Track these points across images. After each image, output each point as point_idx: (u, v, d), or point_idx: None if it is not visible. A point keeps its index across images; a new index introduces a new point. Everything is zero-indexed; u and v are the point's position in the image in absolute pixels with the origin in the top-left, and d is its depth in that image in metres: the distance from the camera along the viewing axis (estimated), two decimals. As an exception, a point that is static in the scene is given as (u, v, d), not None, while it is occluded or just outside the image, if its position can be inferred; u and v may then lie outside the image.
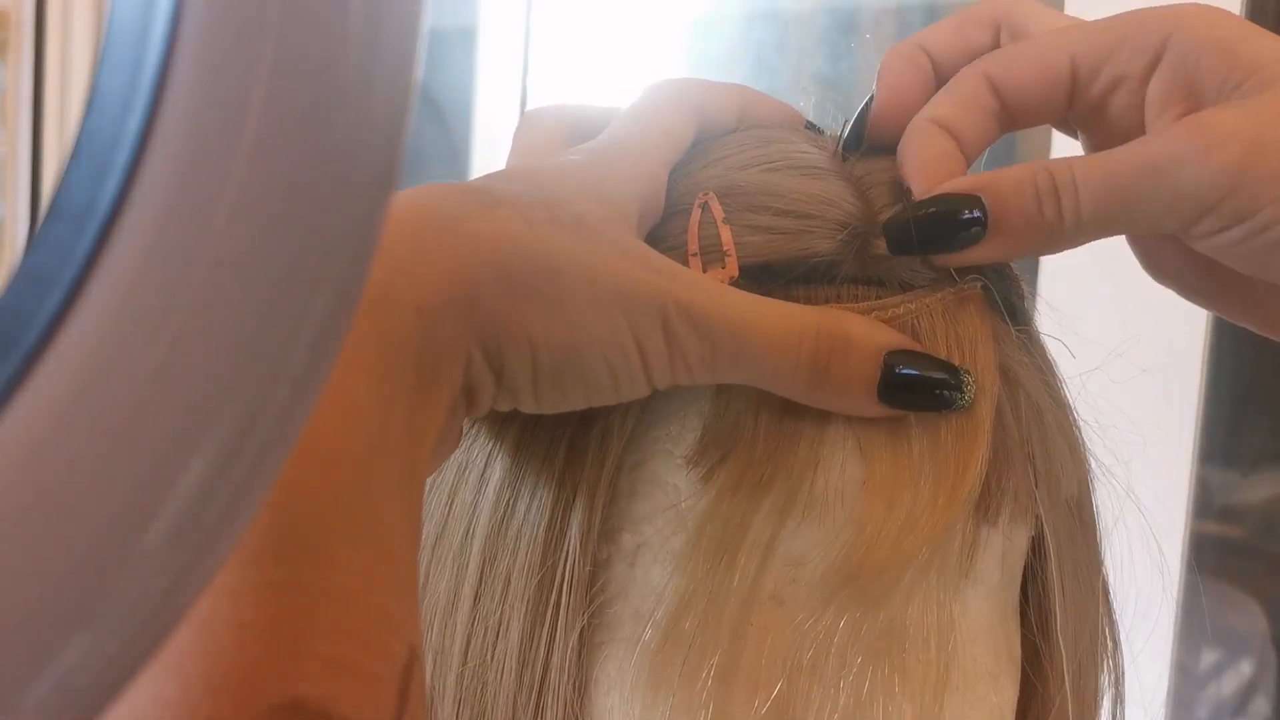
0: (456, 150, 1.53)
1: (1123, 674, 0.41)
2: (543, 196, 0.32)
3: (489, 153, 1.46)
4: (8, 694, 0.14)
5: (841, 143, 0.39)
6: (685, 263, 0.35)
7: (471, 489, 0.37)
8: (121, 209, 0.14)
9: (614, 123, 0.37)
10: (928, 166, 0.36)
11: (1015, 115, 0.37)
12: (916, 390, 0.34)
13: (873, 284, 0.36)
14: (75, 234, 0.14)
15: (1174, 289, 0.41)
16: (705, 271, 0.35)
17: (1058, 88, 0.36)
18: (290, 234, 0.15)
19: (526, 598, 0.35)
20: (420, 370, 0.28)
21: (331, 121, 0.15)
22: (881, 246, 0.36)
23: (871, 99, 0.38)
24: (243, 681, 0.22)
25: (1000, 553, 0.36)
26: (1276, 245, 0.33)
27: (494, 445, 0.37)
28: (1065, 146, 0.39)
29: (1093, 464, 0.41)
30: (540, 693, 0.35)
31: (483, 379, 0.30)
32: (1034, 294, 0.42)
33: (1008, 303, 0.38)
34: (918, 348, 0.35)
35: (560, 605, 0.35)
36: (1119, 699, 0.41)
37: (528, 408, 0.32)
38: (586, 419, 0.35)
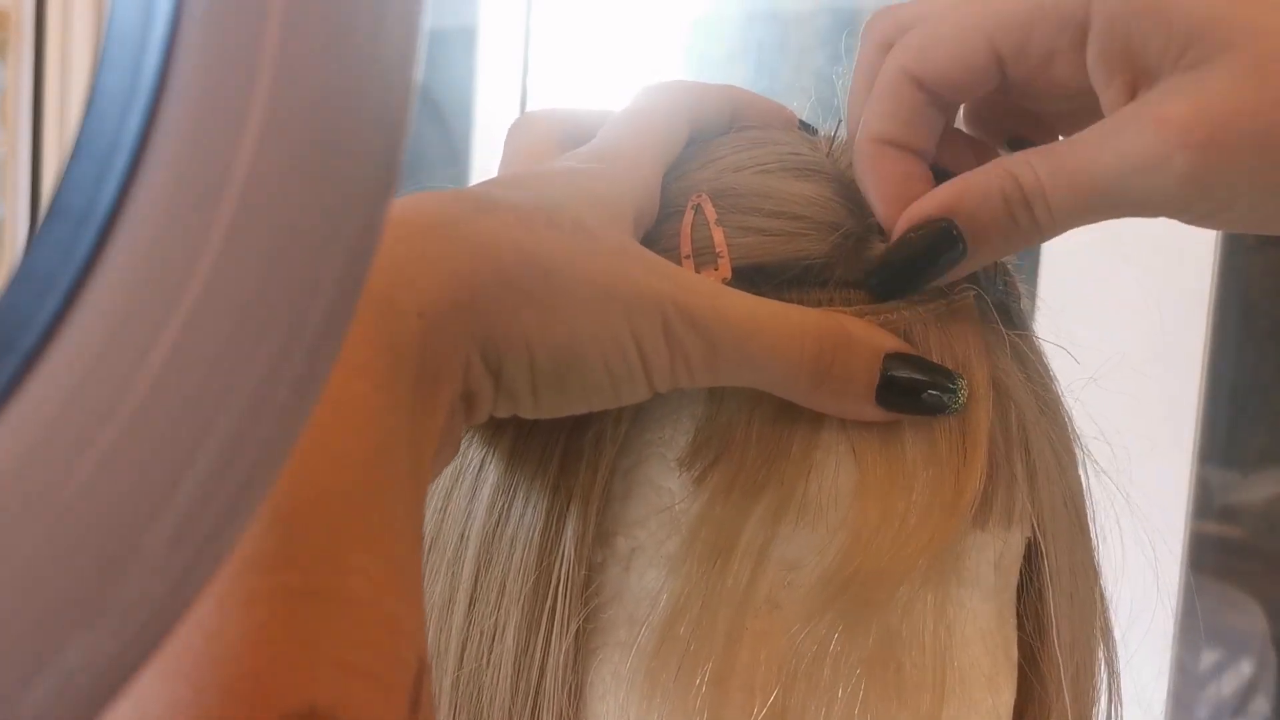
0: (456, 150, 1.53)
1: (1118, 675, 0.41)
2: (540, 201, 0.32)
3: (489, 153, 1.46)
4: (10, 694, 0.14)
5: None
6: (678, 265, 0.35)
7: (466, 493, 0.37)
8: (121, 209, 0.14)
9: (606, 127, 0.37)
10: (888, 196, 0.36)
11: (949, 100, 0.36)
12: (913, 394, 0.34)
13: (865, 288, 0.36)
14: (75, 234, 0.14)
15: None
16: (698, 273, 0.35)
17: (983, 70, 0.35)
18: (290, 233, 0.15)
19: (522, 603, 0.35)
20: (421, 375, 0.28)
21: (332, 121, 0.15)
22: (874, 249, 0.36)
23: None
24: (257, 686, 0.22)
25: (995, 556, 0.36)
26: (1265, 218, 0.33)
27: (488, 450, 0.37)
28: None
29: (1091, 466, 0.41)
30: (536, 697, 0.35)
31: (482, 383, 0.30)
32: (1033, 295, 0.42)
33: (1002, 307, 0.38)
34: (915, 351, 0.35)
35: (555, 610, 0.35)
36: (1116, 700, 0.41)
37: (527, 412, 0.32)
38: (581, 424, 0.35)
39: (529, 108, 1.43)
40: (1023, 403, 0.37)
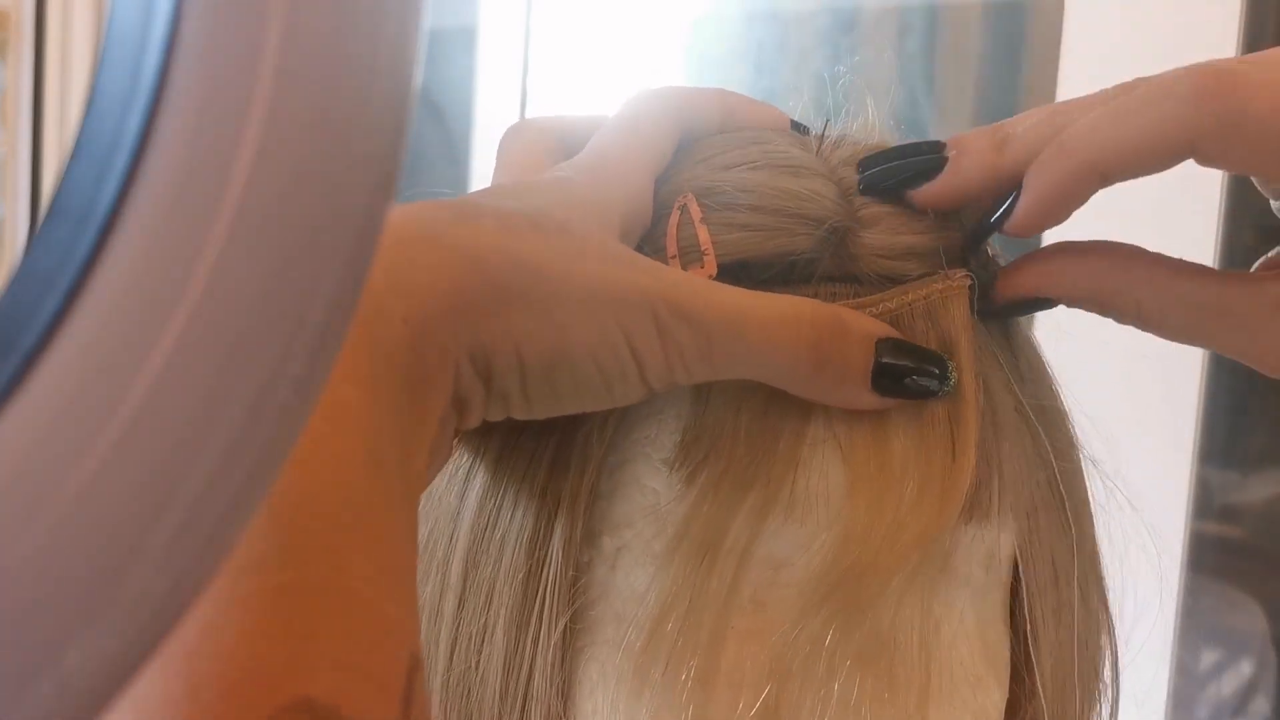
0: (456, 150, 1.53)
1: (1119, 676, 0.41)
2: (525, 207, 0.32)
3: (489, 153, 1.45)
4: (11, 693, 0.14)
5: (976, 233, 0.38)
6: (666, 265, 0.35)
7: (455, 495, 0.37)
8: (121, 209, 0.14)
9: (596, 136, 0.38)
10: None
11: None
12: (903, 379, 0.34)
13: (850, 282, 0.36)
14: (75, 234, 0.14)
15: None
16: (685, 271, 0.35)
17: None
18: (291, 233, 0.15)
19: (511, 603, 0.35)
20: (410, 381, 0.28)
21: (332, 120, 0.15)
22: (859, 244, 0.36)
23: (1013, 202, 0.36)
24: (253, 681, 0.22)
25: (984, 556, 0.36)
26: None
27: (478, 449, 0.37)
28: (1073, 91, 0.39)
29: (1090, 466, 0.41)
30: (525, 696, 0.35)
31: (473, 388, 0.30)
32: (1034, 294, 0.42)
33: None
34: (902, 336, 0.35)
35: (544, 609, 0.35)
36: (1114, 702, 0.41)
37: (520, 414, 0.32)
38: (571, 425, 0.35)
39: (529, 108, 1.43)
40: (1000, 396, 0.37)
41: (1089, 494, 0.40)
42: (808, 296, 0.35)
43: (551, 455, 0.35)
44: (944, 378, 0.34)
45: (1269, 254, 0.37)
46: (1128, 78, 0.36)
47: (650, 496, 0.35)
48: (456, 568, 0.37)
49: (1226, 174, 0.84)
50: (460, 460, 0.37)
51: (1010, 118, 0.37)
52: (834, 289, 0.36)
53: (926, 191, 0.36)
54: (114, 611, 0.15)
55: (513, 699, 0.35)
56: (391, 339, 0.28)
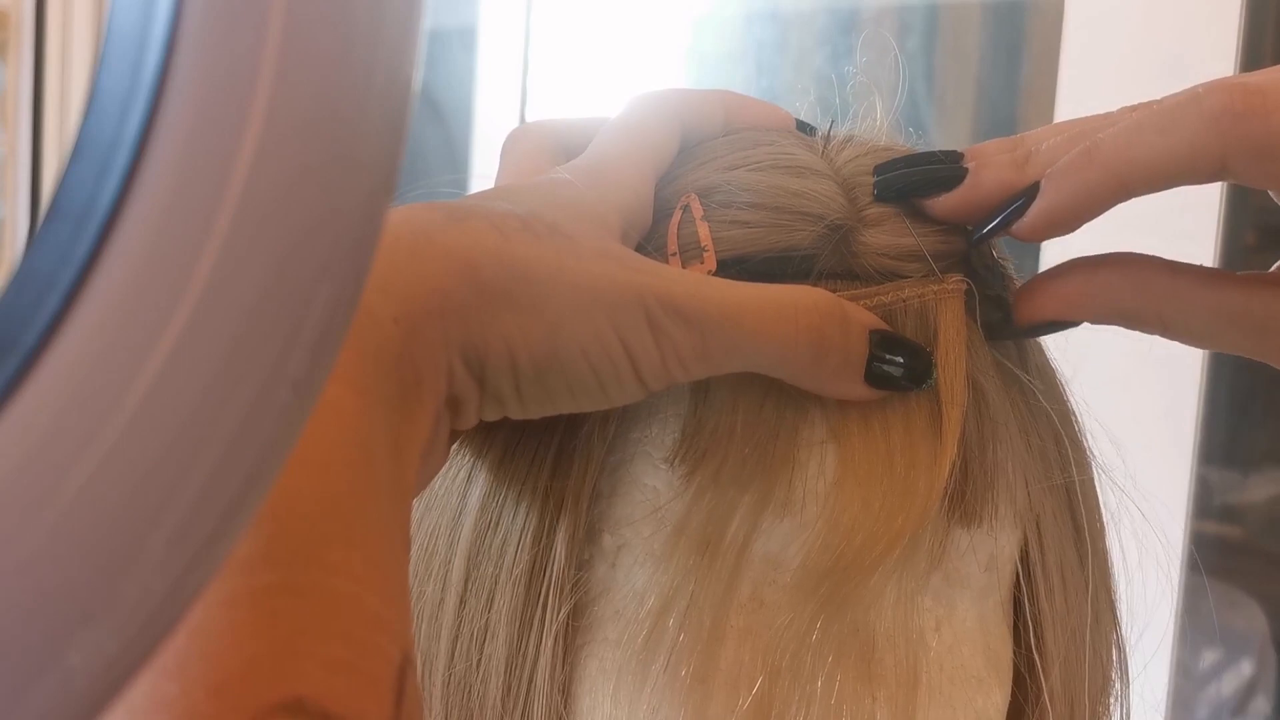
0: (456, 150, 1.53)
1: (1128, 681, 0.41)
2: (517, 208, 0.32)
3: (489, 153, 1.46)
4: (11, 694, 0.14)
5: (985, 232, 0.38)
6: (666, 264, 0.35)
7: (458, 493, 0.37)
8: (121, 209, 0.14)
9: (597, 139, 0.38)
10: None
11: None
12: (889, 370, 0.35)
13: (848, 279, 0.36)
14: (75, 234, 0.14)
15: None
16: (685, 269, 0.35)
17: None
18: (291, 233, 0.15)
19: (514, 602, 0.35)
20: (401, 381, 0.28)
21: (332, 120, 0.15)
22: (861, 243, 0.36)
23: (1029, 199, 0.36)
24: (243, 680, 0.22)
25: (985, 558, 0.36)
26: None
27: (480, 450, 0.37)
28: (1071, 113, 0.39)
29: (1096, 470, 0.40)
30: (528, 695, 0.35)
31: (466, 388, 0.30)
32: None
33: (1000, 302, 0.38)
34: (890, 328, 0.35)
35: (547, 608, 0.35)
36: (1124, 706, 0.41)
37: (515, 414, 0.32)
38: (573, 426, 0.35)
39: (529, 108, 1.43)
40: (1006, 404, 0.37)
41: (1099, 503, 0.40)
42: None
43: (554, 455, 0.35)
44: (926, 373, 0.35)
45: None
46: (1127, 78, 0.36)
47: (650, 494, 0.35)
48: (458, 567, 0.37)
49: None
50: (462, 461, 0.37)
51: (1030, 131, 0.37)
52: (833, 285, 0.36)
53: (943, 202, 0.36)
54: (114, 612, 0.15)
55: (515, 697, 0.35)
56: (381, 339, 0.28)
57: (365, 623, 0.24)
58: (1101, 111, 0.37)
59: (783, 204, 0.36)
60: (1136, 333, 0.37)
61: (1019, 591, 0.38)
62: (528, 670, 0.35)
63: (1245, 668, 1.06)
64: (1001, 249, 0.40)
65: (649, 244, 0.36)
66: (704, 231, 0.36)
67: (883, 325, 0.35)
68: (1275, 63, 0.34)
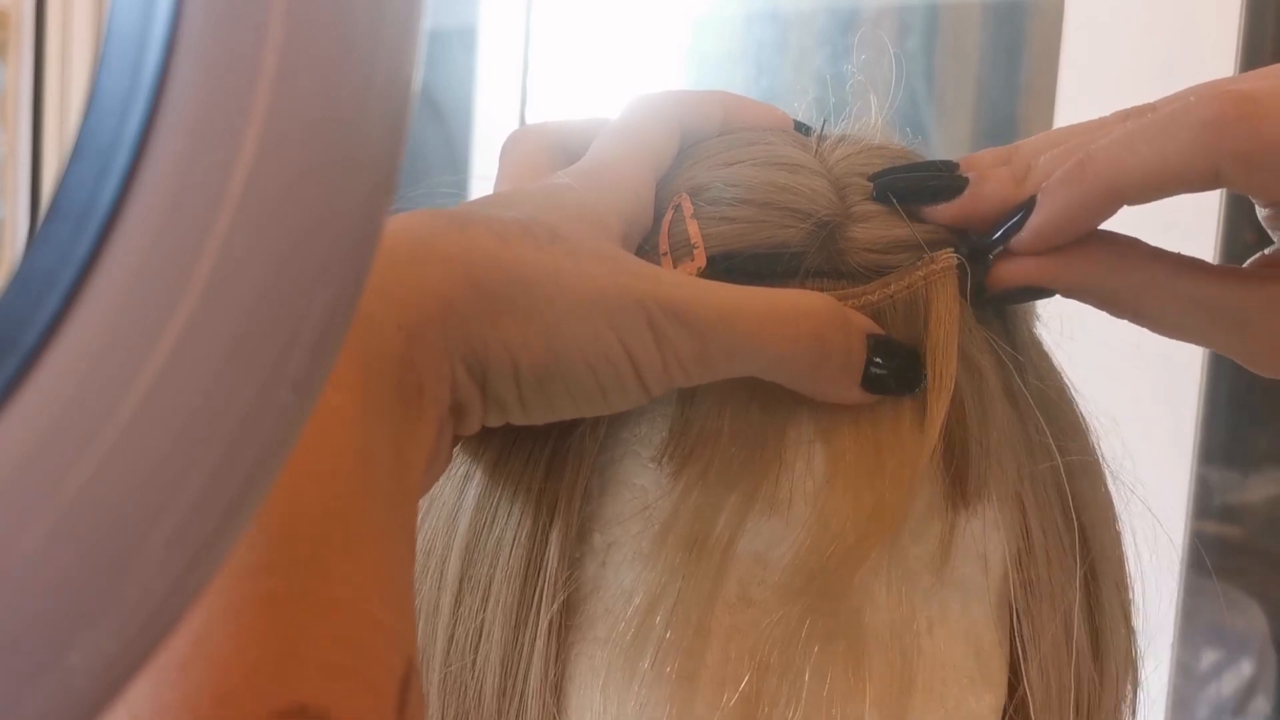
0: (456, 150, 1.53)
1: (1139, 681, 0.41)
2: (518, 214, 0.32)
3: (489, 153, 1.46)
4: (11, 694, 0.14)
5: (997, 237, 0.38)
6: (658, 264, 0.35)
7: (454, 493, 0.38)
8: (121, 209, 0.14)
9: (596, 142, 0.38)
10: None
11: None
12: (887, 374, 0.35)
13: (836, 277, 0.36)
14: (75, 234, 0.14)
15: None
16: (675, 267, 0.35)
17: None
18: (291, 233, 0.15)
19: (509, 601, 0.36)
20: (403, 388, 0.28)
21: (332, 121, 0.15)
22: (848, 239, 0.36)
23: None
24: (246, 686, 0.22)
25: (977, 556, 0.36)
26: None
27: (477, 452, 0.37)
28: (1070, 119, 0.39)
29: (1084, 464, 0.40)
30: (522, 693, 0.35)
31: (469, 395, 0.31)
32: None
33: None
34: (884, 331, 0.35)
35: (541, 607, 0.35)
36: (1133, 706, 0.41)
37: (518, 420, 0.32)
38: (567, 427, 0.35)
39: (529, 108, 1.43)
40: (998, 384, 0.37)
41: (1103, 486, 0.40)
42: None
43: (548, 456, 0.36)
44: (918, 380, 0.35)
45: (1266, 250, 0.37)
46: (1127, 78, 0.36)
47: (639, 493, 0.35)
48: (454, 566, 0.37)
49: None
50: (459, 462, 0.38)
51: (1025, 140, 0.37)
52: (820, 284, 0.36)
53: (942, 210, 0.37)
54: (114, 613, 0.15)
55: (510, 696, 0.35)
56: (383, 346, 0.28)
57: (366, 630, 0.24)
58: (1101, 111, 0.37)
59: (771, 200, 0.36)
60: (1138, 333, 0.37)
61: (1014, 593, 0.38)
62: (522, 669, 0.35)
63: (1245, 668, 1.06)
64: None
65: (645, 244, 0.36)
66: (693, 229, 0.36)
67: (878, 330, 0.35)
68: (1275, 63, 0.34)
